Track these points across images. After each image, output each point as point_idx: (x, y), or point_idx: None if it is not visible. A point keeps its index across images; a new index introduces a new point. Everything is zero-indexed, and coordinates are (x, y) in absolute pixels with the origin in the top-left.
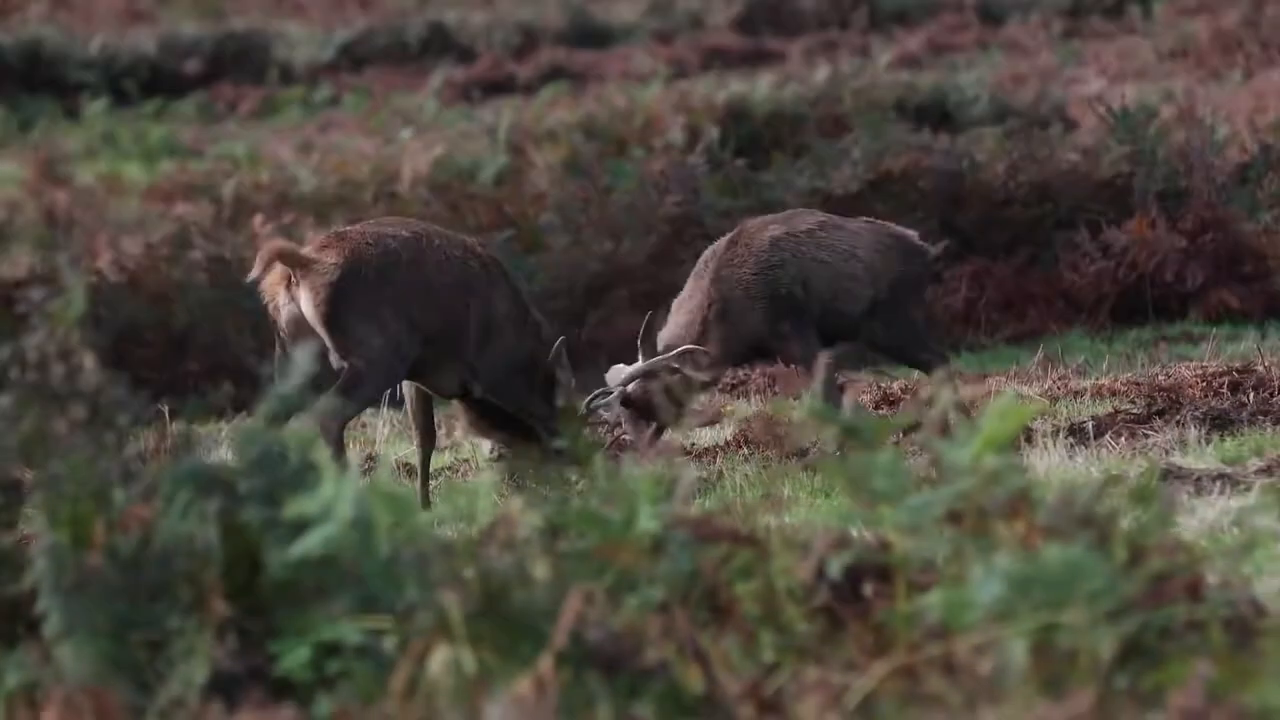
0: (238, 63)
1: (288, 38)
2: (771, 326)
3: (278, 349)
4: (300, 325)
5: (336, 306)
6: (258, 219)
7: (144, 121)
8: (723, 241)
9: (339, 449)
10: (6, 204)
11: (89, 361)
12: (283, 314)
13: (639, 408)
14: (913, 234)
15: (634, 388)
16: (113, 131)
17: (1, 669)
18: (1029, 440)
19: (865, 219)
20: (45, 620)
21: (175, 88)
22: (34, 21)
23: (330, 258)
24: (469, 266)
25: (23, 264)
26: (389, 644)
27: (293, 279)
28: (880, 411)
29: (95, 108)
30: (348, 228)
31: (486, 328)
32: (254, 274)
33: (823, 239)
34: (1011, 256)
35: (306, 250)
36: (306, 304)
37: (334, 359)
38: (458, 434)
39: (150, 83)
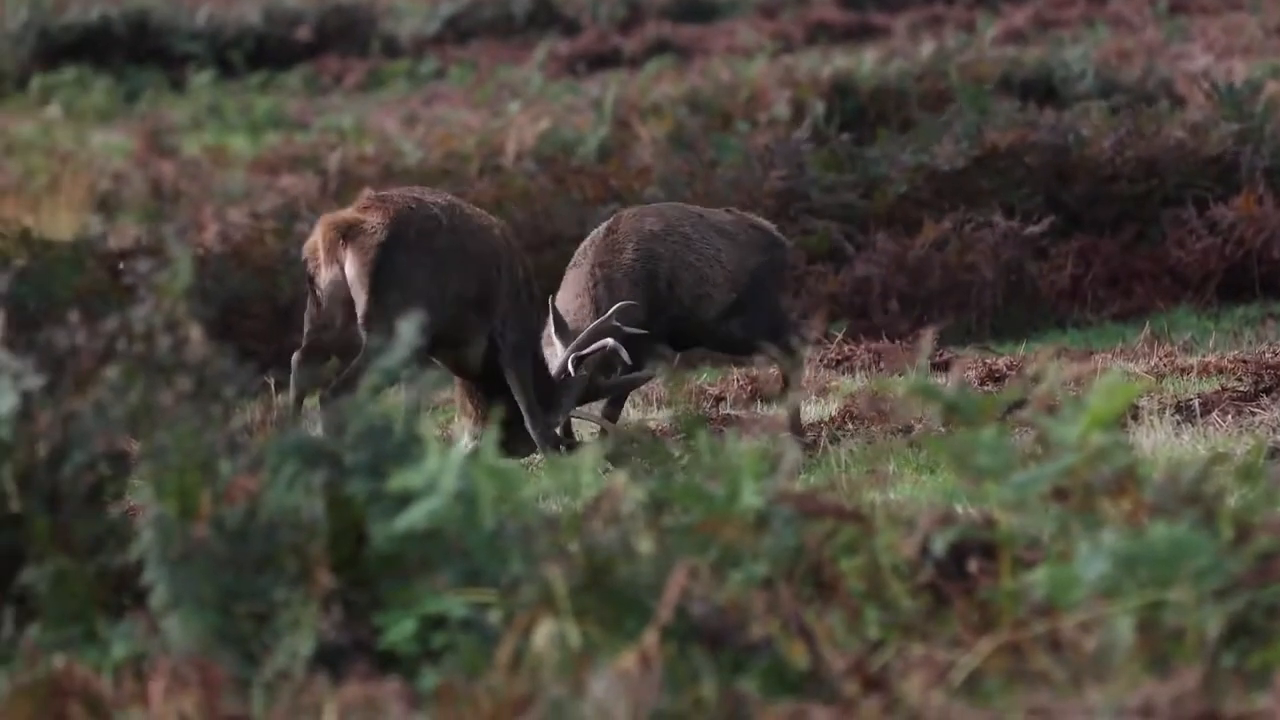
0: (343, 35)
1: (394, 10)
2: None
3: (311, 308)
4: (338, 287)
5: (381, 268)
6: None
7: (250, 93)
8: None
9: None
10: (113, 175)
11: (195, 333)
12: (323, 274)
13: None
14: (771, 226)
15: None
16: (218, 103)
17: (109, 640)
18: (1135, 418)
19: (727, 209)
20: (152, 591)
21: (281, 60)
22: None
23: (375, 218)
24: (494, 235)
25: (129, 235)
26: (494, 617)
27: (339, 241)
28: (985, 388)
29: (201, 79)
30: (389, 191)
31: (513, 296)
32: (319, 249)
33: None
34: (1118, 233)
35: (349, 212)
36: (352, 265)
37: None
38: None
39: (256, 54)
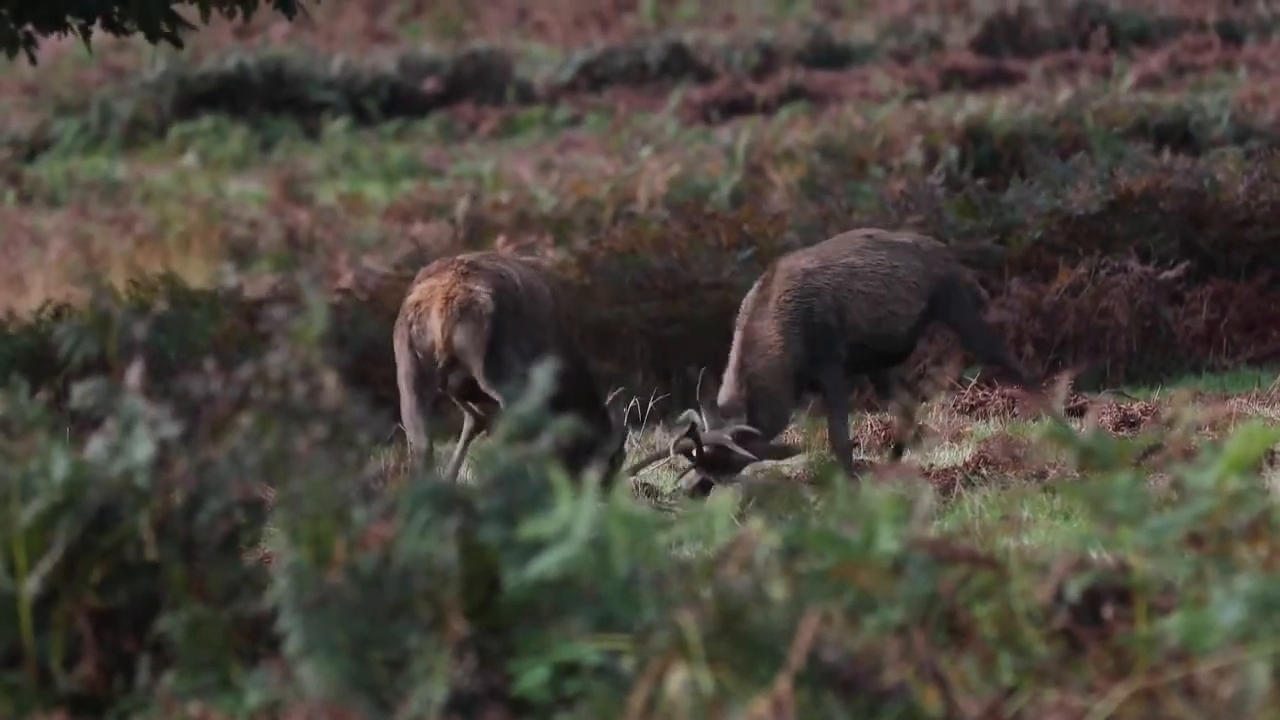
0: (478, 82)
1: (528, 57)
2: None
3: (413, 369)
4: (445, 349)
5: (495, 336)
6: (500, 239)
7: (384, 141)
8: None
9: None
10: (249, 223)
11: (330, 380)
12: (431, 337)
13: (712, 463)
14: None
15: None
16: (353, 151)
17: (243, 688)
18: (1271, 463)
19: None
20: (286, 638)
21: (416, 107)
22: (276, 41)
23: (484, 288)
24: (552, 296)
25: (265, 282)
26: (627, 664)
27: (448, 308)
28: (1120, 433)
29: (336, 127)
30: (478, 258)
31: (563, 344)
32: (427, 313)
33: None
34: (1253, 277)
35: (452, 280)
36: (467, 334)
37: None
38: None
39: (391, 102)
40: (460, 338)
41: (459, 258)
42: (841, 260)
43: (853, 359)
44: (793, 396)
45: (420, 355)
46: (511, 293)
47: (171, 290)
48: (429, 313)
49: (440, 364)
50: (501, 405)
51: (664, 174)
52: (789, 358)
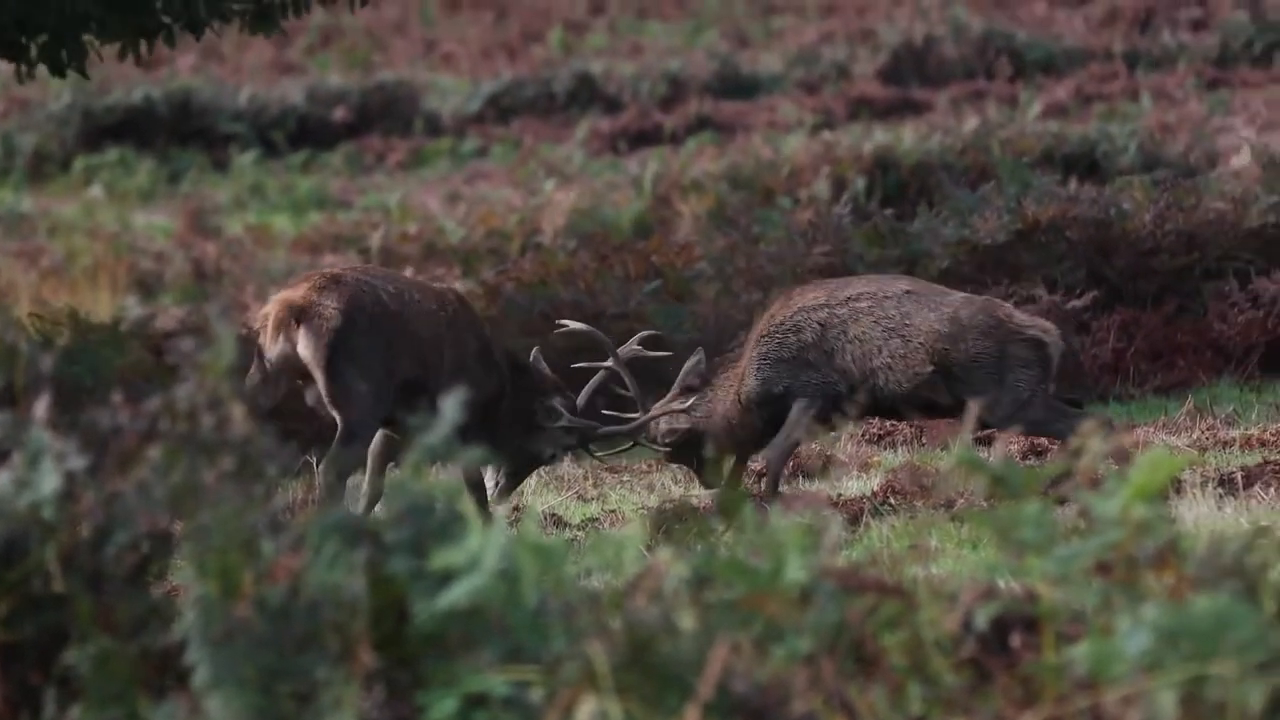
0: (385, 114)
1: (436, 89)
2: None
3: (256, 375)
4: (289, 362)
5: (335, 351)
6: (406, 272)
7: (292, 173)
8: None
9: (337, 499)
10: (156, 256)
11: (238, 412)
12: (275, 349)
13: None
14: (1021, 320)
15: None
16: (261, 183)
17: None
18: (1178, 491)
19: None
20: (194, 671)
21: (323, 139)
22: (183, 73)
23: (331, 302)
24: (442, 316)
25: (173, 315)
26: (536, 695)
27: (291, 321)
28: (1028, 462)
29: (244, 159)
30: (340, 271)
31: (459, 369)
32: (268, 328)
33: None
34: (1160, 306)
35: (305, 291)
36: (305, 345)
37: (316, 400)
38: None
39: (298, 134)
40: (302, 349)
41: (324, 269)
42: (848, 302)
43: (873, 403)
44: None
45: (267, 365)
46: (369, 310)
47: (78, 323)
48: (270, 321)
49: (277, 374)
50: (339, 429)
51: (573, 205)
52: (751, 386)
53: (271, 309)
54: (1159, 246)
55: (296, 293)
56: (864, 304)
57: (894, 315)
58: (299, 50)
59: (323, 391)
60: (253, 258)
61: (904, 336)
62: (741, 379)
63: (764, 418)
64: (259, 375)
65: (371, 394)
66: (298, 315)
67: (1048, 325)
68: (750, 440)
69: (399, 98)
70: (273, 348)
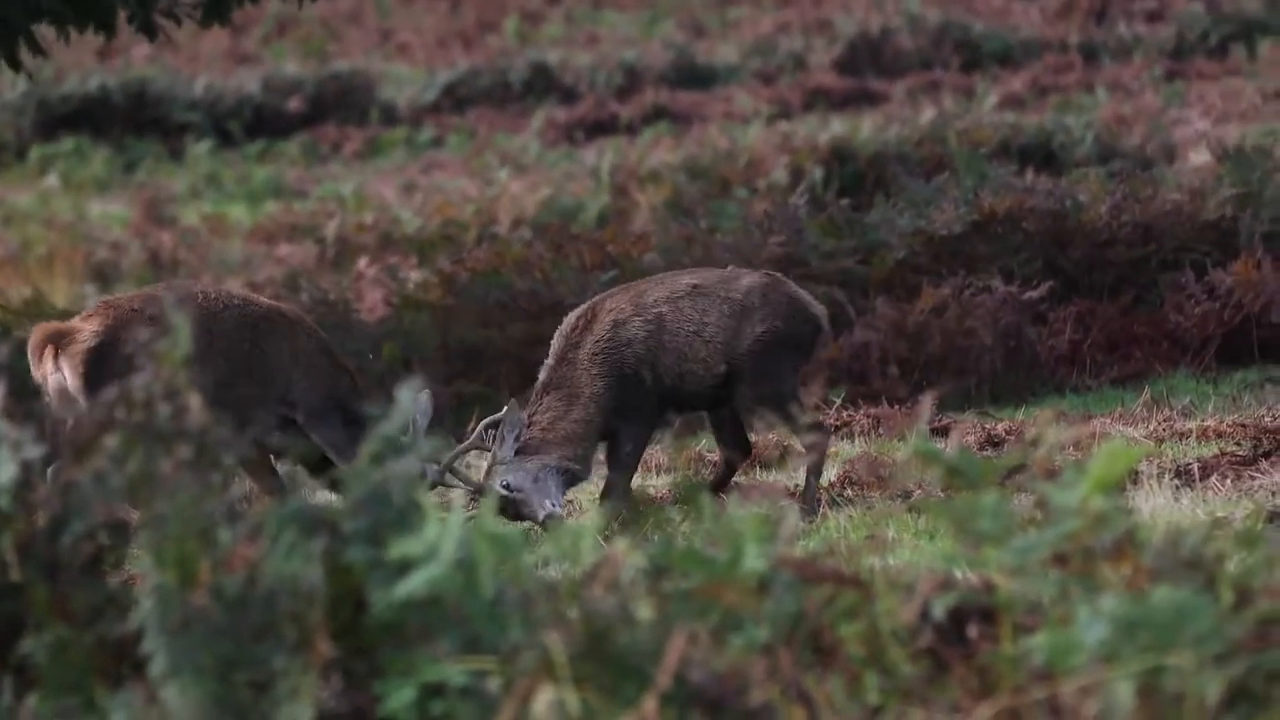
0: (341, 103)
1: (391, 78)
2: None
3: (49, 419)
4: (65, 395)
5: (94, 375)
6: (362, 261)
7: (248, 162)
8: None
9: None
10: (111, 245)
11: (195, 402)
12: (49, 384)
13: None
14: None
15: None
16: (217, 173)
17: (107, 709)
18: (1135, 482)
19: (765, 272)
20: (151, 660)
21: (279, 129)
22: (138, 63)
23: (90, 326)
24: (248, 324)
25: None
26: (493, 685)
27: (56, 351)
28: (985, 453)
29: (199, 149)
30: (117, 296)
31: (296, 371)
32: (31, 357)
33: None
34: (1116, 297)
35: (74, 321)
36: (68, 374)
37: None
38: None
39: (254, 124)
40: (58, 378)
41: (107, 298)
42: (654, 309)
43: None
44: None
45: (50, 400)
46: (135, 331)
47: (36, 313)
48: (32, 351)
49: (55, 403)
50: None
51: (531, 195)
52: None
53: (31, 341)
54: (1115, 238)
55: (54, 323)
56: (664, 309)
57: (692, 317)
58: (254, 40)
59: None
60: (209, 247)
61: (703, 337)
62: (577, 401)
63: (600, 437)
64: (51, 419)
65: None
66: (55, 343)
67: (822, 307)
68: (587, 465)
69: (354, 87)
70: (49, 382)
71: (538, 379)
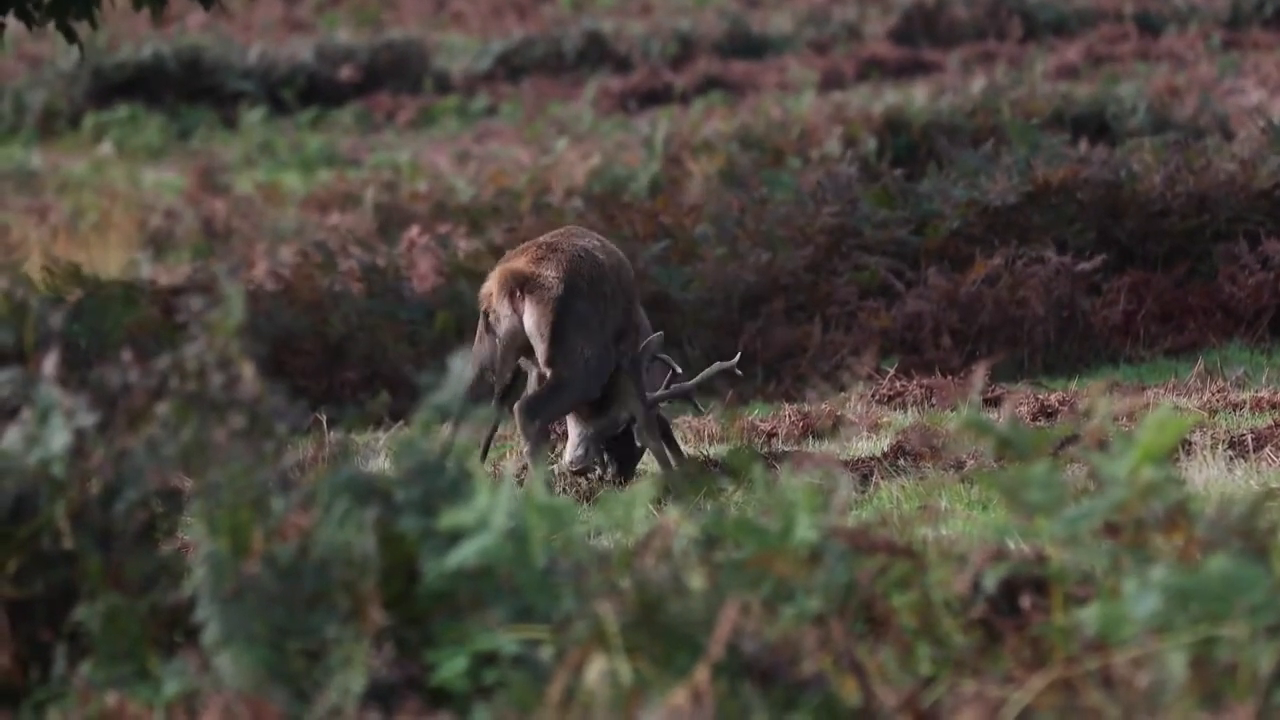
0: (395, 72)
1: (445, 47)
2: None
3: (493, 356)
4: (516, 335)
5: (560, 319)
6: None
7: (301, 131)
8: None
9: (537, 450)
10: (165, 213)
11: (247, 370)
12: (503, 324)
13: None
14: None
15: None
16: (270, 141)
17: (161, 677)
18: (1187, 453)
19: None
20: (204, 628)
21: (333, 97)
22: (193, 30)
23: (552, 272)
24: (627, 269)
25: (181, 272)
26: (545, 654)
27: (516, 292)
28: (1037, 423)
29: (253, 117)
30: (552, 240)
31: (634, 320)
32: (487, 294)
33: None
34: (1170, 268)
35: (524, 264)
36: (531, 316)
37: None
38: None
39: (308, 92)
40: (524, 320)
41: (546, 241)
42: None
43: None
44: None
45: (495, 339)
46: (587, 275)
47: (85, 280)
48: (493, 293)
49: (503, 346)
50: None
51: (583, 165)
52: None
53: (494, 283)
54: (1169, 208)
55: (518, 265)
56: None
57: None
58: (309, 8)
59: (542, 358)
60: (262, 215)
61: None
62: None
63: None
64: (488, 350)
65: (594, 356)
66: (522, 286)
67: None
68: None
69: (408, 56)
70: (505, 323)
71: None
